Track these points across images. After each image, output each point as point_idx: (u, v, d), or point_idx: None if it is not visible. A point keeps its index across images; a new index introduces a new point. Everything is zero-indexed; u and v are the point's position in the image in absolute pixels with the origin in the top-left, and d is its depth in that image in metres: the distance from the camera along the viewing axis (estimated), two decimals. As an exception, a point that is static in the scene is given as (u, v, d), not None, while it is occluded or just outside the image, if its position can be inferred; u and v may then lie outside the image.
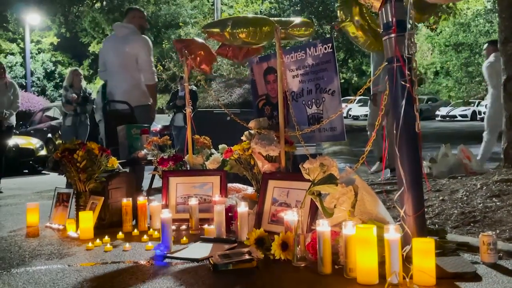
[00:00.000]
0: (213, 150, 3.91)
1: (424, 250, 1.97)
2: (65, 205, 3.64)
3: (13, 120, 6.48)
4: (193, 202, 3.29)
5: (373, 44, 3.05)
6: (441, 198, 3.59)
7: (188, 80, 4.14)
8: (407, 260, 2.03)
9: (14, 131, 7.02)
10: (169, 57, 22.32)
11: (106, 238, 2.99)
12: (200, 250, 2.65)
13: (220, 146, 3.77)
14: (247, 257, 2.36)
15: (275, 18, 3.46)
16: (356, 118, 26.46)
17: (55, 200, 3.77)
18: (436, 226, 3.01)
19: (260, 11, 23.49)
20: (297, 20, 3.42)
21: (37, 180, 8.08)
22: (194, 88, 7.53)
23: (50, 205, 3.80)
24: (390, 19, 2.25)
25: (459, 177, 4.36)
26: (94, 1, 26.26)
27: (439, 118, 24.93)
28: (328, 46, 3.06)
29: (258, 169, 3.32)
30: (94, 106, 7.12)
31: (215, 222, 3.00)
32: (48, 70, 23.50)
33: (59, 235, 3.27)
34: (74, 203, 3.52)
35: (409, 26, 2.25)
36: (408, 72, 2.23)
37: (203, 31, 3.46)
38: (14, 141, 8.17)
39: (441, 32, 29.12)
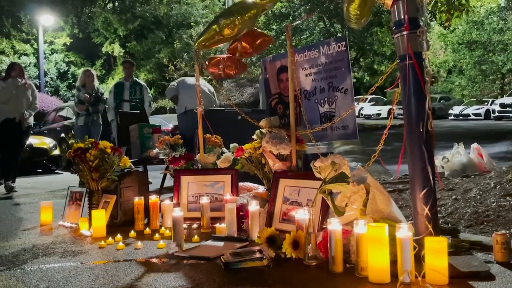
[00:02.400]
0: (224, 149, 3.92)
1: (436, 249, 1.95)
2: (78, 204, 3.68)
3: (31, 120, 6.58)
4: (205, 200, 3.30)
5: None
6: (454, 197, 3.56)
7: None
8: (420, 258, 2.01)
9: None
10: (180, 57, 22.39)
11: (118, 236, 3.01)
12: (211, 249, 2.66)
13: (231, 145, 3.77)
14: (258, 255, 2.36)
15: None
16: (368, 117, 26.32)
17: (68, 199, 3.80)
18: (449, 225, 2.99)
19: (271, 11, 23.44)
20: None
21: (50, 179, 8.16)
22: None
23: (64, 203, 3.84)
24: (402, 16, 2.23)
25: (472, 176, 4.32)
26: (107, 2, 26.47)
27: (452, 117, 24.68)
28: (342, 45, 3.05)
29: (269, 167, 3.32)
30: (107, 106, 7.18)
31: (226, 220, 3.00)
32: (61, 71, 23.69)
33: (72, 233, 3.31)
34: (87, 201, 3.55)
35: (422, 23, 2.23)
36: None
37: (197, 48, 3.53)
38: (28, 141, 8.27)
39: (454, 30, 28.82)
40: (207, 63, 3.84)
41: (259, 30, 3.80)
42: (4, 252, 2.79)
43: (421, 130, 2.23)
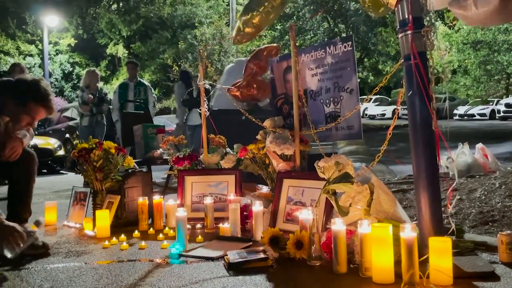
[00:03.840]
0: (228, 149, 3.92)
1: (441, 249, 1.94)
2: (82, 204, 3.68)
3: None
4: (208, 201, 3.30)
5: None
6: (458, 197, 3.55)
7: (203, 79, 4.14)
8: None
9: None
10: (184, 57, 22.42)
11: (123, 236, 3.02)
12: (215, 249, 2.66)
13: (235, 145, 3.77)
14: (262, 255, 2.36)
15: None
16: (372, 117, 26.28)
17: (72, 199, 3.81)
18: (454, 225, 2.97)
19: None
20: None
21: (55, 179, 8.19)
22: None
23: (68, 204, 3.85)
24: (407, 16, 2.23)
25: (477, 176, 4.30)
26: (111, 3, 26.55)
27: (457, 117, 24.60)
28: (348, 45, 3.04)
29: (273, 168, 3.32)
30: (111, 107, 7.20)
31: (230, 220, 3.00)
32: (66, 71, 23.80)
33: (76, 234, 3.31)
34: (91, 202, 3.56)
35: (426, 22, 2.22)
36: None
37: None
38: (33, 141, 8.30)
39: (458, 30, 28.73)
40: (227, 90, 3.90)
41: (262, 45, 3.89)
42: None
43: (426, 129, 2.22)
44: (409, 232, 1.95)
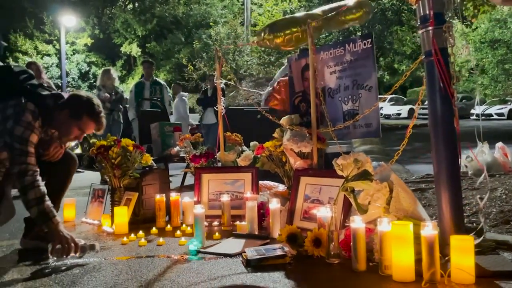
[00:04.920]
0: (244, 147, 3.92)
1: (463, 247, 1.92)
2: (101, 201, 3.72)
3: None
4: (225, 198, 3.30)
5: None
6: (478, 196, 3.50)
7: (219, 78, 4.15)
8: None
9: None
10: (199, 57, 22.51)
11: (140, 233, 3.03)
12: (232, 246, 2.66)
13: (252, 143, 3.77)
14: (280, 252, 2.36)
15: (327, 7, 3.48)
16: (387, 117, 26.06)
17: (90, 196, 3.85)
18: (474, 224, 2.93)
19: (290, 10, 23.41)
20: (349, 2, 3.43)
21: (73, 177, 8.26)
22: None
23: (86, 201, 3.89)
24: (428, 12, 2.20)
25: (497, 175, 4.24)
26: (127, 3, 26.77)
27: (474, 117, 24.28)
28: (368, 42, 3.01)
29: (289, 166, 3.31)
30: (127, 105, 7.25)
31: (247, 218, 3.00)
32: (83, 71, 24.06)
33: (95, 230, 3.35)
34: (109, 199, 3.59)
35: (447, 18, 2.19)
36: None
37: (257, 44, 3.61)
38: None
39: (476, 28, 28.33)
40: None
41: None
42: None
43: (447, 127, 2.19)
44: (430, 230, 1.93)
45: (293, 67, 3.64)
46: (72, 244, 2.44)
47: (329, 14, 3.41)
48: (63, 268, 2.37)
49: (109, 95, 7.00)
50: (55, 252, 2.43)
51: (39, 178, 2.49)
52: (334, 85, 3.23)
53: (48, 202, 2.47)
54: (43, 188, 2.47)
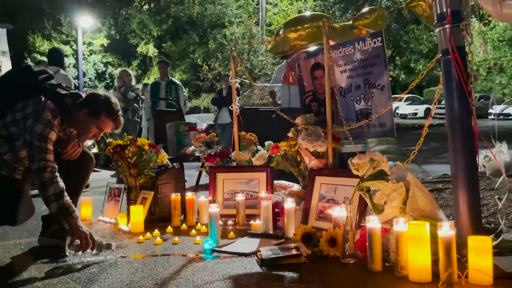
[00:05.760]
0: (259, 147, 3.92)
1: (481, 248, 1.89)
2: (117, 200, 3.76)
3: None
4: (240, 197, 3.30)
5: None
6: (497, 196, 3.44)
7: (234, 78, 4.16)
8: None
9: None
10: (214, 57, 22.56)
11: (156, 231, 3.05)
12: (247, 245, 2.66)
13: (266, 143, 3.77)
14: (295, 252, 2.35)
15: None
16: (404, 116, 25.83)
17: (107, 195, 3.89)
18: (492, 225, 2.89)
19: (305, 9, 23.35)
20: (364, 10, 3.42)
21: (90, 176, 8.34)
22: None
23: (102, 200, 3.93)
24: (445, 10, 2.18)
25: (516, 176, 4.17)
26: (142, 4, 26.96)
27: (492, 117, 23.90)
28: (378, 40, 2.98)
29: (304, 165, 3.30)
30: (143, 105, 7.31)
31: (262, 217, 3.00)
32: (99, 71, 24.29)
33: (111, 228, 3.38)
34: (125, 197, 3.63)
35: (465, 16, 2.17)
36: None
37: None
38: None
39: (494, 27, 27.91)
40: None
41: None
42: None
43: (465, 126, 2.17)
44: (447, 230, 1.91)
45: (302, 66, 3.63)
46: (90, 240, 2.47)
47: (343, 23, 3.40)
48: (80, 265, 2.40)
49: (123, 95, 7.06)
50: (73, 247, 2.46)
51: (57, 174, 2.52)
52: (345, 84, 3.20)
53: (67, 198, 2.50)
54: (62, 184, 2.51)
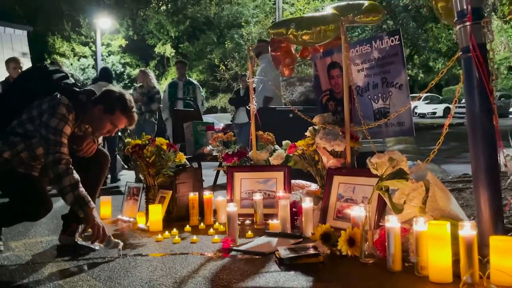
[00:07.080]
0: (276, 146, 3.92)
1: (503, 248, 1.86)
2: (136, 199, 3.79)
3: None
4: (258, 197, 3.31)
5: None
6: (518, 197, 3.39)
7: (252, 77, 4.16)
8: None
9: None
10: (231, 57, 22.62)
11: (174, 230, 3.08)
12: (265, 244, 2.66)
13: (284, 142, 3.77)
14: (313, 251, 2.34)
15: (342, 3, 3.42)
16: (422, 116, 25.54)
17: (126, 194, 3.93)
18: (514, 226, 2.84)
19: (322, 8, 23.22)
20: (366, 3, 3.36)
21: (106, 173, 8.44)
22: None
23: (121, 199, 3.97)
24: (465, 7, 2.15)
25: (538, 176, 4.09)
26: (160, 5, 27.16)
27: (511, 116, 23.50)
28: (395, 39, 2.95)
29: (322, 164, 3.29)
30: (161, 105, 7.35)
31: (279, 217, 3.00)
32: (118, 72, 24.54)
33: (130, 227, 3.41)
34: (144, 196, 3.66)
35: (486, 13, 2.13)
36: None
37: (270, 32, 3.53)
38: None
39: (515, 24, 27.40)
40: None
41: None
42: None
43: (486, 124, 2.13)
44: (468, 230, 1.88)
45: (318, 66, 3.61)
46: (101, 233, 2.49)
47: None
48: (100, 263, 2.43)
49: (142, 95, 7.10)
50: (84, 235, 2.49)
51: (72, 166, 2.55)
52: (363, 83, 3.18)
53: (82, 189, 2.52)
54: (77, 176, 2.53)
